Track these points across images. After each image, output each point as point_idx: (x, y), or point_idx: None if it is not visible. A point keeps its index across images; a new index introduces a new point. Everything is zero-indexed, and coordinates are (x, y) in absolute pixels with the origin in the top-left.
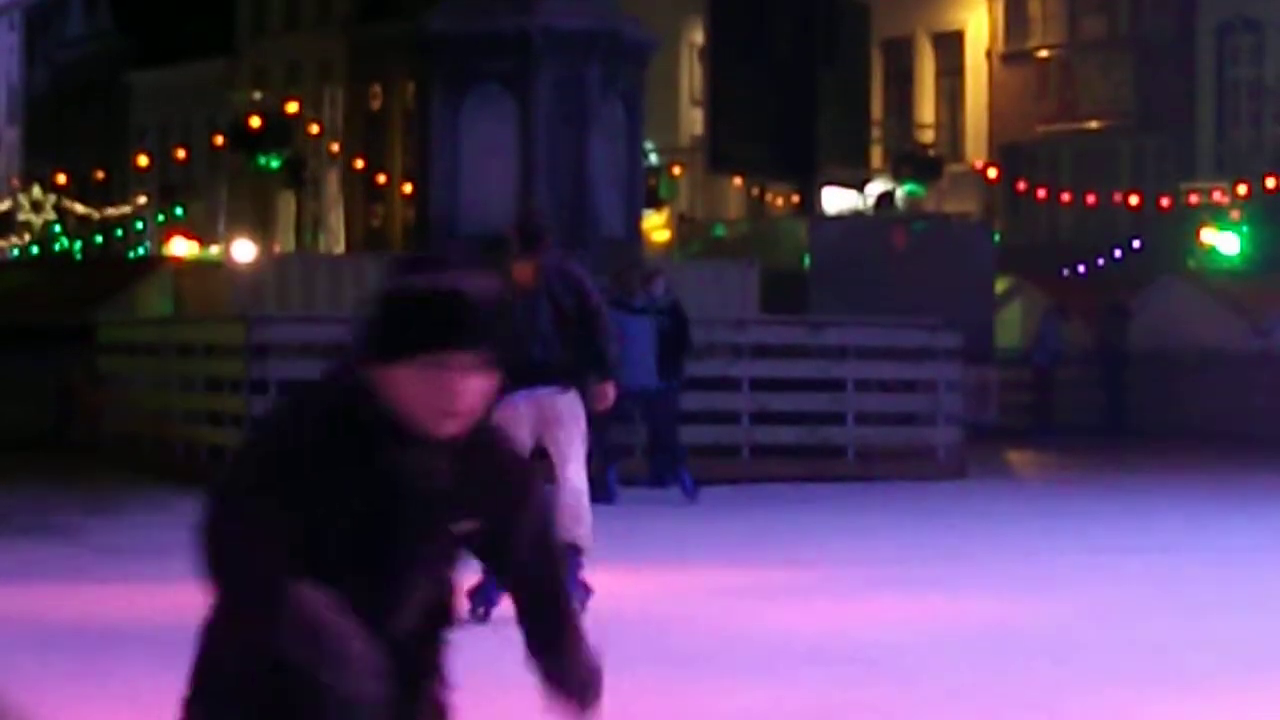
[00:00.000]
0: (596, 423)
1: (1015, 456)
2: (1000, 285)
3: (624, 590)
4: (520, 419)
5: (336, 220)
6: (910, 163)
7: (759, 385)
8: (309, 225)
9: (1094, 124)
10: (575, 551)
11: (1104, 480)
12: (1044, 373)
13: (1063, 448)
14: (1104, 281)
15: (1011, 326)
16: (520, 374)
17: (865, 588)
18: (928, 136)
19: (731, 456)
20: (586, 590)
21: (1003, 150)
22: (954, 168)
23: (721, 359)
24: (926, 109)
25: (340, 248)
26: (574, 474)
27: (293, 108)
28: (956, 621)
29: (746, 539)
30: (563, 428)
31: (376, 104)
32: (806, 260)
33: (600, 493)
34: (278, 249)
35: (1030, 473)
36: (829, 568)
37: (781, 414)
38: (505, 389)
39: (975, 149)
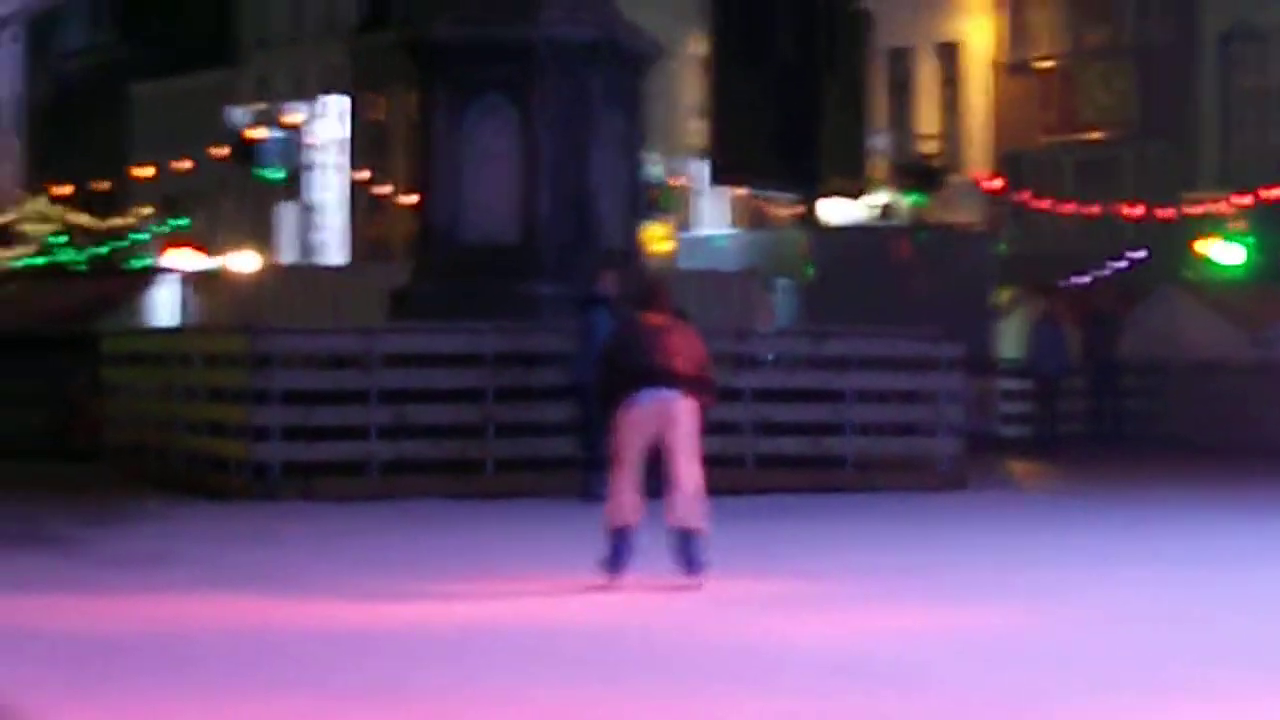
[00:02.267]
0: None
1: (1016, 467)
2: (1003, 295)
3: (627, 601)
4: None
5: (339, 231)
6: (912, 173)
7: (762, 396)
8: (311, 236)
9: (1096, 134)
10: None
11: (1105, 490)
12: (1048, 382)
13: (1063, 458)
14: (1107, 293)
15: (1015, 337)
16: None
17: (868, 599)
18: (930, 146)
19: (736, 466)
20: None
21: (1005, 160)
22: (956, 178)
23: (725, 369)
24: (929, 119)
25: (342, 258)
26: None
27: (295, 118)
28: (959, 632)
29: (750, 550)
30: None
31: (379, 114)
32: (809, 270)
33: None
34: (280, 260)
35: (1031, 483)
36: (832, 579)
37: (784, 424)
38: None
39: (978, 159)
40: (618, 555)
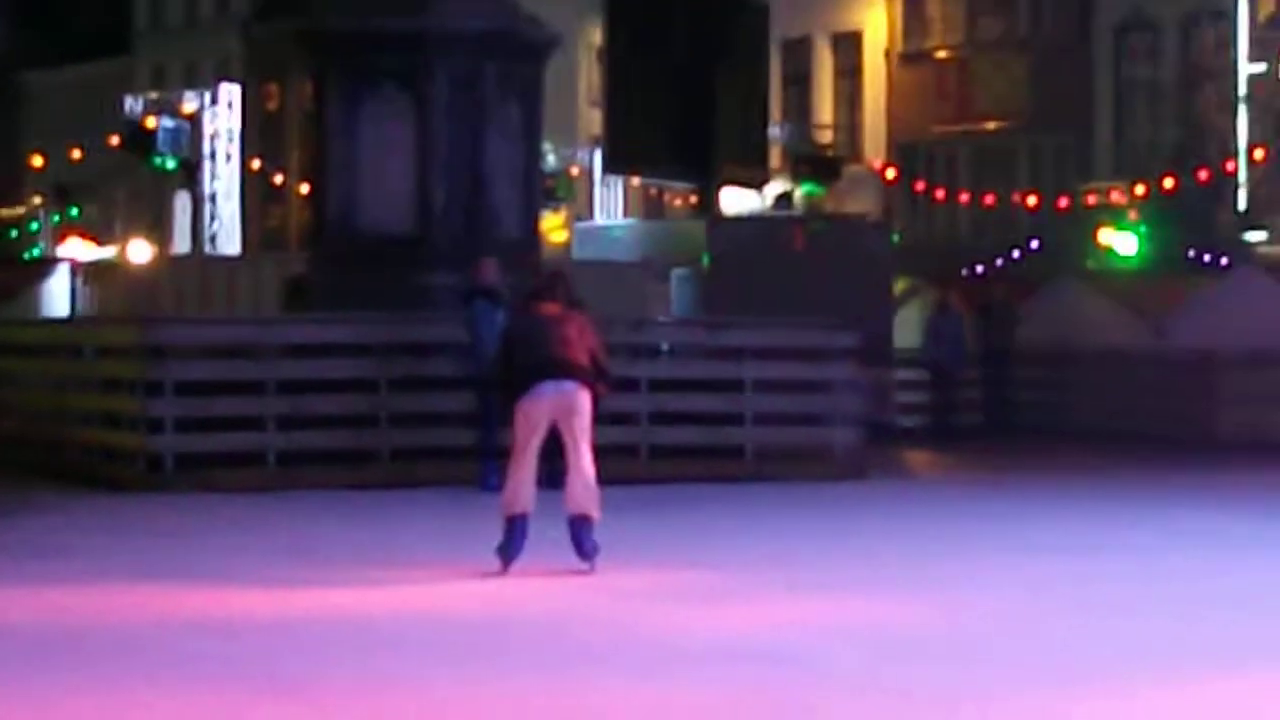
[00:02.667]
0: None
1: (914, 457)
2: (899, 285)
3: (523, 591)
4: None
5: (233, 221)
6: (809, 163)
7: (658, 386)
8: (206, 226)
9: (991, 124)
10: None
11: (1002, 480)
12: (944, 373)
13: (960, 448)
14: (1002, 282)
15: (911, 327)
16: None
17: (767, 589)
18: (826, 136)
19: (630, 457)
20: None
21: (901, 150)
22: (852, 168)
23: (621, 359)
24: (825, 109)
25: (236, 248)
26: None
27: (190, 107)
28: (859, 623)
29: (646, 540)
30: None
31: (274, 103)
32: (706, 260)
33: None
34: (174, 250)
35: (929, 473)
36: (730, 569)
37: (680, 414)
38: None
39: (874, 149)
40: (512, 542)
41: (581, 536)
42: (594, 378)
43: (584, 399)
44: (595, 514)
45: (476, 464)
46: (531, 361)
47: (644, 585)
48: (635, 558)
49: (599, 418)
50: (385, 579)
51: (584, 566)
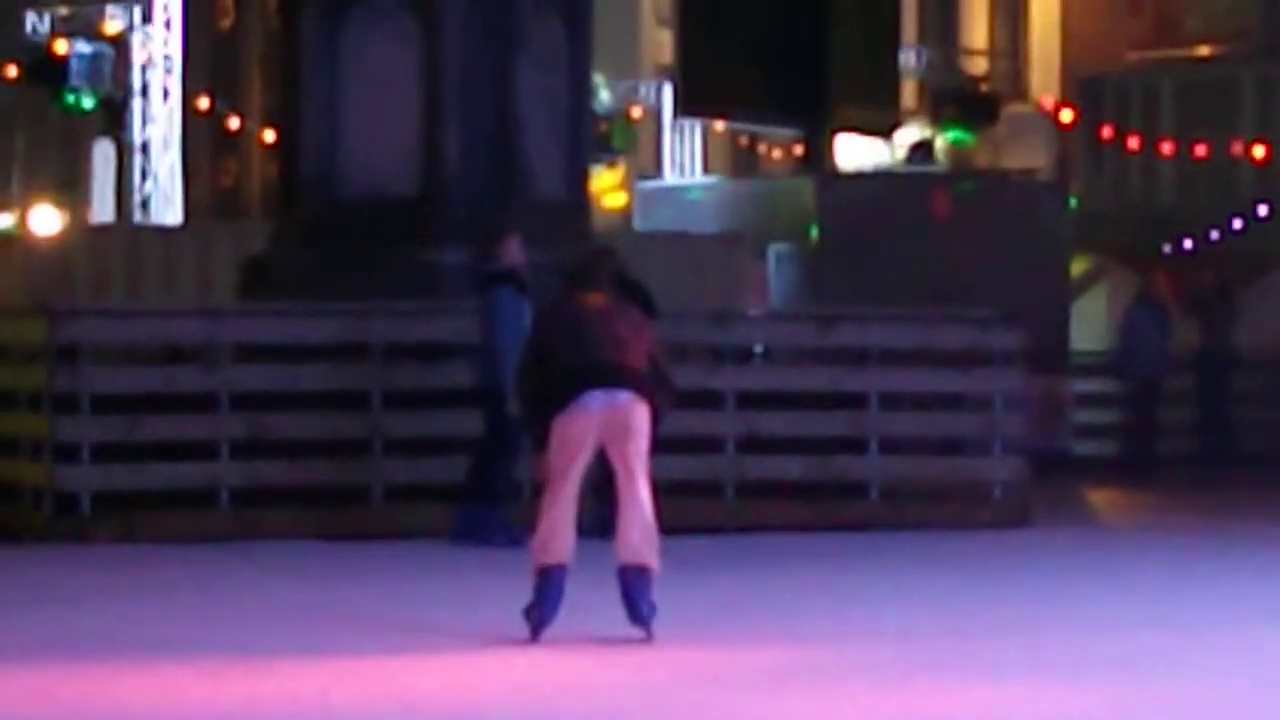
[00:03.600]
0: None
1: (1097, 497)
2: (1079, 266)
3: (567, 674)
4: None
5: (172, 179)
6: (956, 101)
7: (749, 401)
8: (135, 186)
9: (1205, 49)
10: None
11: (1218, 528)
12: (1147, 385)
13: (1162, 485)
14: (1218, 262)
15: (1094, 321)
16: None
17: (893, 671)
18: (979, 66)
19: (713, 496)
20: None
21: (1081, 85)
22: (1015, 108)
23: (699, 365)
24: (978, 30)
25: (177, 216)
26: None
27: (114, 27)
28: (1010, 715)
29: (729, 606)
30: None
31: (227, 21)
32: (814, 232)
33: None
34: (93, 218)
35: (1116, 519)
36: (841, 645)
37: (781, 440)
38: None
39: (1044, 83)
40: (545, 602)
41: (636, 594)
42: (654, 388)
43: (642, 415)
44: (654, 564)
45: (459, 506)
46: (574, 366)
47: (720, 664)
48: (711, 628)
49: (667, 443)
50: (373, 662)
51: (639, 634)
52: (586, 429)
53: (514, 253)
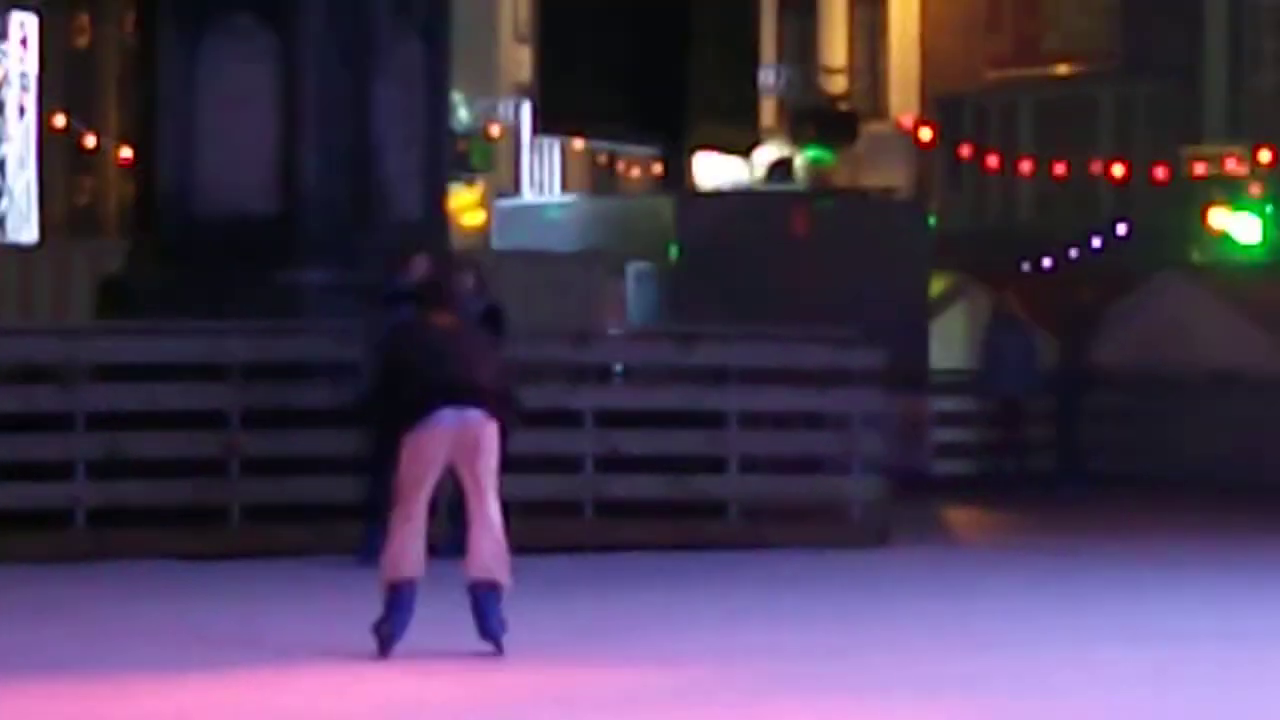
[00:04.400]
0: None
1: (956, 516)
2: (938, 285)
3: (424, 696)
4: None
5: (27, 197)
6: (815, 120)
7: (609, 420)
8: None
9: (1064, 68)
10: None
11: (1070, 547)
12: (1006, 403)
13: (1024, 504)
14: (1077, 279)
15: (953, 340)
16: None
17: (752, 692)
18: (838, 85)
19: (572, 515)
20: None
21: (940, 103)
22: (874, 127)
23: (558, 384)
24: (837, 48)
25: (33, 234)
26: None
27: None
28: None
29: (584, 625)
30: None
31: (84, 39)
32: (674, 251)
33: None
34: None
35: (975, 538)
36: (703, 666)
37: (640, 459)
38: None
39: (903, 102)
40: (395, 617)
41: (486, 609)
42: (501, 407)
43: (492, 433)
44: (504, 580)
45: (360, 525)
46: (426, 383)
47: (574, 685)
48: (568, 648)
49: (526, 462)
50: (227, 680)
51: (489, 649)
52: (438, 445)
53: (420, 272)
